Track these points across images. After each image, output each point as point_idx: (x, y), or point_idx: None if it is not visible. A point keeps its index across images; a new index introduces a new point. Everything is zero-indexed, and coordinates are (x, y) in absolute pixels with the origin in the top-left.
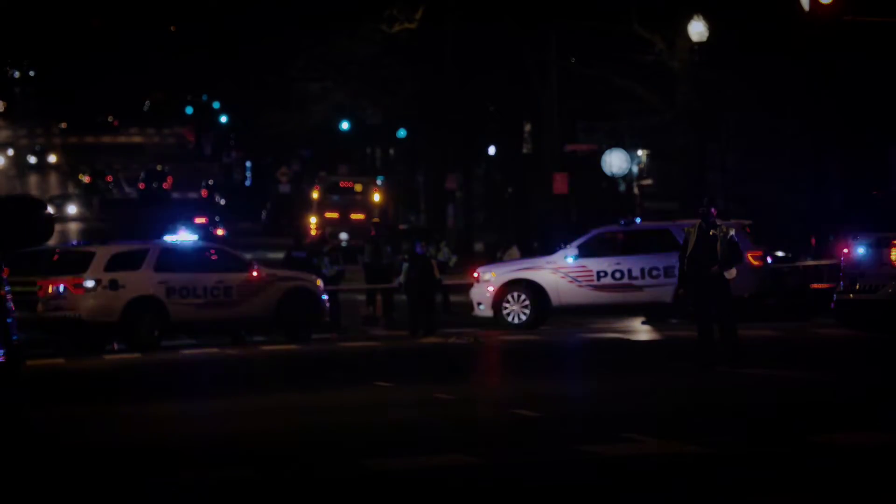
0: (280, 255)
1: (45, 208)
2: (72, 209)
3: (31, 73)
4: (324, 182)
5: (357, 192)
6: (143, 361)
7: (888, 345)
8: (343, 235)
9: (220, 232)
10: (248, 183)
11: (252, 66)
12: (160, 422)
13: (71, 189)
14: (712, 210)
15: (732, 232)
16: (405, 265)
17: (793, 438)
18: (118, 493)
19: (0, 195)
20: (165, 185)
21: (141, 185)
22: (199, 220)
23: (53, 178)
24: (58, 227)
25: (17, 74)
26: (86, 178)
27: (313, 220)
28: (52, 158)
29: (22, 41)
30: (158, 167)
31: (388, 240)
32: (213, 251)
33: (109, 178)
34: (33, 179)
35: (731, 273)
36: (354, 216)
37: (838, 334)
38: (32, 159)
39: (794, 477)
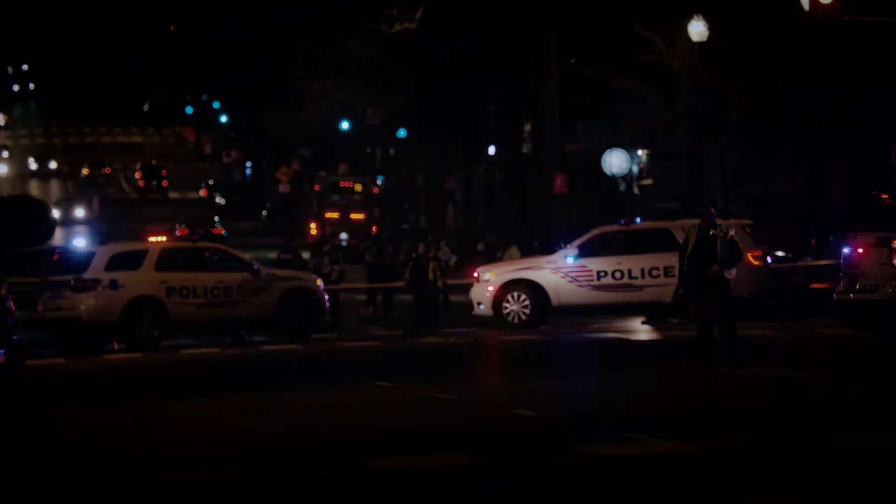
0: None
1: (47, 208)
2: (79, 212)
3: (31, 87)
4: (324, 182)
5: (357, 192)
6: (143, 361)
7: (888, 345)
8: (343, 235)
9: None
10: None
11: (252, 65)
12: (160, 422)
13: (70, 188)
14: (712, 210)
15: (732, 232)
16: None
17: (792, 438)
18: (118, 493)
19: (1, 196)
20: (165, 183)
21: (141, 183)
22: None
23: (55, 184)
24: (65, 230)
25: (14, 79)
26: (84, 170)
27: (312, 224)
28: (53, 164)
29: (22, 42)
30: (153, 162)
31: (389, 239)
32: (212, 251)
33: (108, 170)
34: (34, 184)
35: (731, 273)
36: (354, 216)
37: (838, 334)
38: (33, 165)
39: (794, 477)
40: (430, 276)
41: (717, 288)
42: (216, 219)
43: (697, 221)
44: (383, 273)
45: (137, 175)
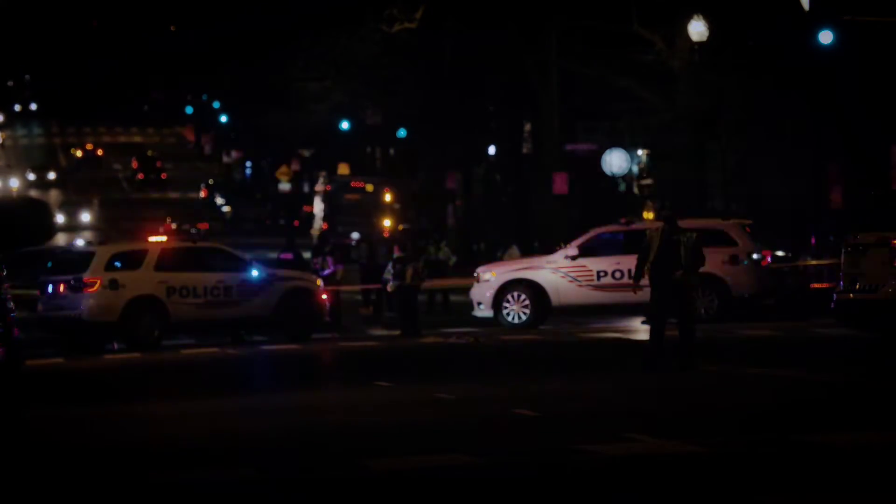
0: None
1: (48, 209)
2: (85, 216)
3: (31, 95)
4: (335, 182)
5: (369, 193)
6: (143, 361)
7: (888, 345)
8: (355, 235)
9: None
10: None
11: (252, 66)
12: (160, 422)
13: (71, 191)
14: (675, 214)
15: (695, 235)
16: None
17: (792, 438)
18: (118, 493)
19: (3, 197)
20: (164, 176)
21: (140, 176)
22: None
23: (54, 194)
24: (71, 234)
25: (14, 90)
26: (78, 153)
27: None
28: (52, 175)
29: (21, 42)
30: (149, 152)
31: (382, 241)
32: (212, 251)
33: (101, 153)
34: (33, 194)
35: (694, 277)
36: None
37: (838, 334)
38: (31, 176)
39: (794, 477)
40: (409, 280)
41: (681, 292)
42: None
43: (660, 225)
44: (376, 273)
45: (134, 166)
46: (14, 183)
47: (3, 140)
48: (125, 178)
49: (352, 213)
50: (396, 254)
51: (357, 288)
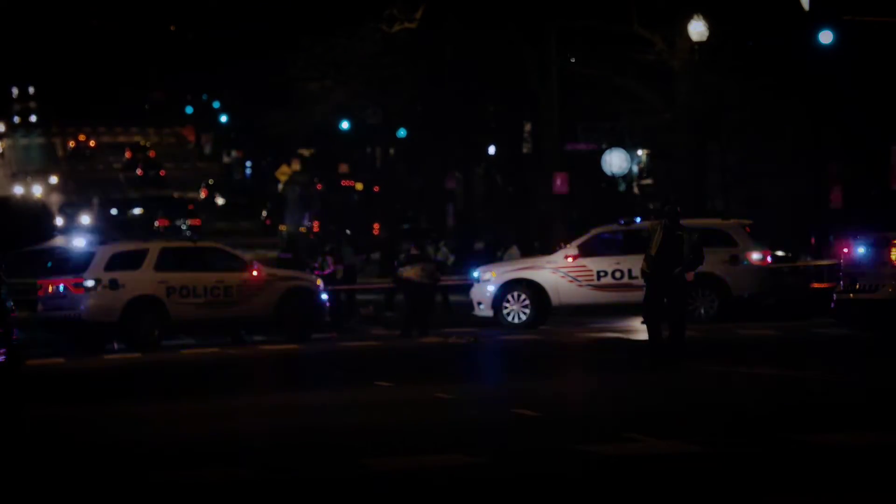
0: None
1: (47, 210)
2: (85, 219)
3: (34, 107)
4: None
5: (358, 192)
6: (143, 361)
7: (888, 345)
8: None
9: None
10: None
11: (252, 65)
12: (160, 421)
13: (72, 192)
14: (678, 210)
15: (696, 235)
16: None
17: (793, 438)
18: (118, 493)
19: (3, 197)
20: (162, 173)
21: (139, 172)
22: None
23: (55, 197)
24: (68, 236)
25: (16, 92)
26: (71, 143)
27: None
28: (53, 179)
29: (21, 45)
30: (141, 142)
31: (350, 240)
32: (212, 251)
33: (93, 144)
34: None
35: (691, 275)
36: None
37: (838, 334)
38: (36, 185)
39: (794, 477)
40: (416, 277)
41: (676, 288)
42: (191, 207)
43: (661, 221)
44: (344, 274)
45: (127, 156)
46: (16, 188)
47: (3, 149)
48: (121, 171)
49: (342, 212)
50: (413, 251)
51: (359, 287)
